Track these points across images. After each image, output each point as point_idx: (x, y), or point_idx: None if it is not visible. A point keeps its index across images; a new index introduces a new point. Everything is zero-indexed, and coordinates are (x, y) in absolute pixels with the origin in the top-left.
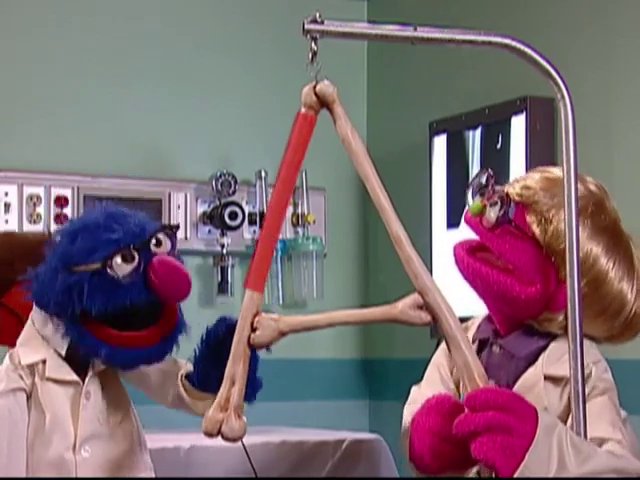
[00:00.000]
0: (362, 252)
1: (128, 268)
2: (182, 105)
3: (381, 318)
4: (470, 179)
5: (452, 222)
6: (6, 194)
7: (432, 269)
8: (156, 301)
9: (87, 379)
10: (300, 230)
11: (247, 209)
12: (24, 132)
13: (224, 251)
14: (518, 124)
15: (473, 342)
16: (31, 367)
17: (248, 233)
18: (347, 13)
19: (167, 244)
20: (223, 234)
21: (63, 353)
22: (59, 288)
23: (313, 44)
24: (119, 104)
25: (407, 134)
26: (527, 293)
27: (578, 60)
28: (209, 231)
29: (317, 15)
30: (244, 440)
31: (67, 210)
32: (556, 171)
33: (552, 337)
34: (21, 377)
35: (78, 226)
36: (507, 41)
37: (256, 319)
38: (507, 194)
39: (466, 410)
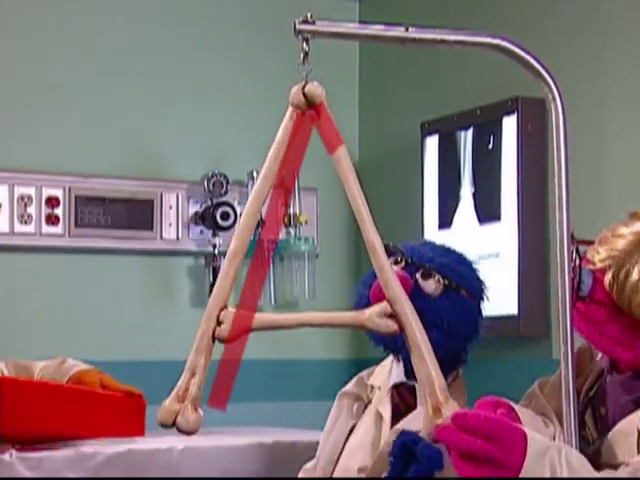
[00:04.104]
0: (354, 253)
1: None
2: (174, 105)
3: (349, 323)
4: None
5: (444, 222)
6: None
7: None
8: None
9: None
10: (292, 231)
11: (239, 209)
12: (15, 132)
13: (216, 251)
14: (510, 124)
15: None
16: None
17: None
18: (339, 13)
19: None
20: (215, 234)
21: None
22: None
23: (305, 44)
24: (109, 104)
25: (399, 135)
26: (627, 357)
27: (570, 60)
28: (201, 231)
29: (309, 15)
30: (241, 441)
31: (58, 211)
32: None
33: None
34: None
35: None
36: (498, 42)
37: (222, 312)
38: (579, 265)
39: (448, 420)
